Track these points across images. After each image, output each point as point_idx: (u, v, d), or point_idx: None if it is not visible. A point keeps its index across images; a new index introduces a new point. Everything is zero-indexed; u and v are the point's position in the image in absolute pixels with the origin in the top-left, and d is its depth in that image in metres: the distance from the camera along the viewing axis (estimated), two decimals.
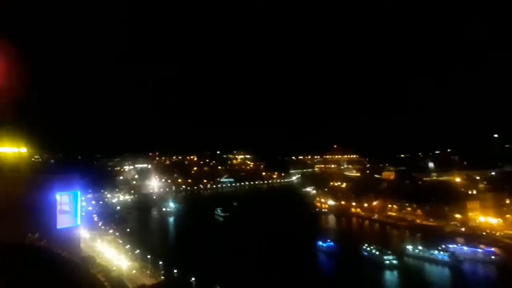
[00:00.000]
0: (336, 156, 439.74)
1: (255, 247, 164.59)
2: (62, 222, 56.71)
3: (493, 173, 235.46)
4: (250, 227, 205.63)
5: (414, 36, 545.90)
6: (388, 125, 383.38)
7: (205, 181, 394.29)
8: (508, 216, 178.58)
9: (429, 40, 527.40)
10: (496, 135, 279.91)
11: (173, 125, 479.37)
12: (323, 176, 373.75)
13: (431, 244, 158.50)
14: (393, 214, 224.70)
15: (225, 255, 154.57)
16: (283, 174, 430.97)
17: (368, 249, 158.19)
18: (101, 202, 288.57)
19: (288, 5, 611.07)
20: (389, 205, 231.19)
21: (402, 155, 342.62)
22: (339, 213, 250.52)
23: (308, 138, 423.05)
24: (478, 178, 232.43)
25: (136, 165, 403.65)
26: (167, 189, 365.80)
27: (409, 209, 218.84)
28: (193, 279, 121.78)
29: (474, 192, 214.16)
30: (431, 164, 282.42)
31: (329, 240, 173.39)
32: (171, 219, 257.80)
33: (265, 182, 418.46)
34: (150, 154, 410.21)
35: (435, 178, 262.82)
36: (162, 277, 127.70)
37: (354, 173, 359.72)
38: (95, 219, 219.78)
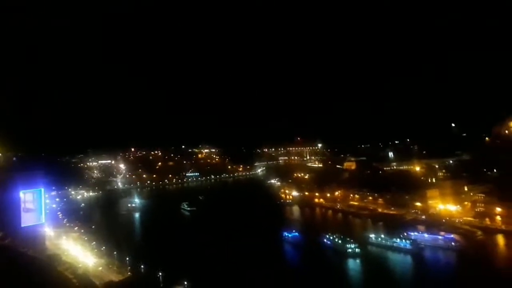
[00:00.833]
0: (300, 148, 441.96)
1: (222, 240, 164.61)
2: (27, 220, 56.00)
3: (451, 162, 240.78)
4: (216, 221, 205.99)
5: (373, 27, 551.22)
6: (349, 116, 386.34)
7: (170, 176, 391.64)
8: (466, 203, 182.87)
9: (387, 32, 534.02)
10: (453, 124, 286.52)
11: (137, 120, 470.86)
12: (287, 168, 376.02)
13: (393, 232, 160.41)
14: (355, 203, 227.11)
15: (192, 249, 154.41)
16: (248, 167, 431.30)
17: (331, 238, 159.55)
18: (65, 199, 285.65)
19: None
20: (351, 195, 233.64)
21: (363, 146, 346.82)
22: (303, 203, 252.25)
23: (272, 130, 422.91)
24: (437, 166, 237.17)
25: (100, 161, 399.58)
26: (132, 185, 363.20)
27: (370, 198, 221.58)
28: (160, 274, 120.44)
29: (434, 180, 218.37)
30: (391, 154, 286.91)
31: (294, 231, 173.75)
32: (137, 215, 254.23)
33: (231, 175, 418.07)
34: (114, 149, 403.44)
35: (395, 167, 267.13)
36: (129, 273, 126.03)
37: (317, 164, 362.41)
38: (60, 216, 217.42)
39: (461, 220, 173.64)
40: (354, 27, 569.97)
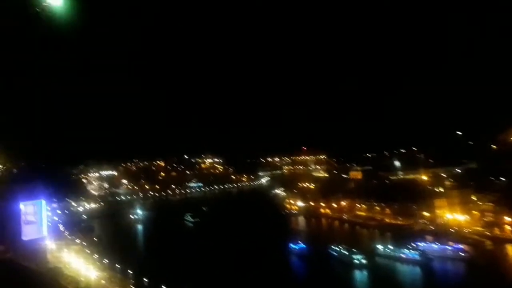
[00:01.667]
0: (304, 157, 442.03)
1: (227, 252, 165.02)
2: (28, 233, 55.36)
3: (458, 170, 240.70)
4: (220, 232, 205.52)
5: (377, 35, 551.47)
6: (354, 124, 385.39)
7: (173, 186, 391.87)
8: (474, 212, 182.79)
9: (392, 39, 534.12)
10: (459, 132, 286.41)
11: (139, 129, 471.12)
12: (292, 177, 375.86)
13: (401, 243, 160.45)
14: (362, 213, 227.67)
15: (196, 262, 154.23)
16: (252, 177, 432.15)
17: (337, 249, 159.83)
18: (66, 211, 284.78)
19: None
20: (358, 205, 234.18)
21: (369, 154, 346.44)
22: (308, 214, 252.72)
23: (276, 139, 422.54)
24: (444, 175, 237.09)
25: (101, 172, 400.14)
26: (134, 196, 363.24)
27: (377, 208, 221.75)
28: (163, 287, 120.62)
29: (441, 189, 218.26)
30: (397, 163, 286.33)
31: (300, 242, 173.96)
32: (140, 227, 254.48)
33: (235, 185, 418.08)
34: (116, 160, 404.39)
35: (401, 176, 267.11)
36: (132, 286, 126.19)
37: (322, 174, 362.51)
38: (61, 228, 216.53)
39: (470, 230, 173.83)
40: (357, 32, 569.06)
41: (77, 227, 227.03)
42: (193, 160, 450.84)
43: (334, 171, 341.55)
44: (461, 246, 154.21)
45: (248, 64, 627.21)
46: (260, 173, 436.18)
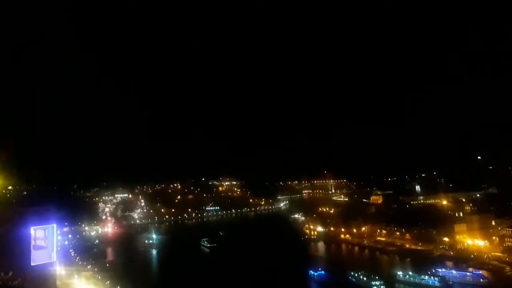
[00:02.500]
0: (324, 181, 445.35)
1: (245, 279, 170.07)
2: (37, 258, 53.04)
3: (478, 195, 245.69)
4: (238, 258, 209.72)
5: (395, 57, 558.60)
6: (375, 148, 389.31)
7: (189, 210, 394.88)
8: (494, 238, 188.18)
9: (410, 59, 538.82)
10: (479, 157, 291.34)
11: (156, 151, 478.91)
12: (311, 201, 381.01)
13: (420, 269, 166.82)
14: (382, 239, 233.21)
15: None
16: (270, 201, 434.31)
17: (356, 275, 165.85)
18: (78, 236, 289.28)
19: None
20: (378, 230, 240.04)
21: (389, 179, 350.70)
22: (328, 239, 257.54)
23: (295, 163, 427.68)
24: (463, 200, 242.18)
25: (116, 195, 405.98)
26: (150, 220, 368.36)
27: (397, 233, 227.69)
28: None
29: (461, 214, 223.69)
30: (417, 187, 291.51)
31: (320, 269, 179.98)
32: (154, 252, 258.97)
33: (252, 209, 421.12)
34: (131, 183, 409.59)
35: (422, 201, 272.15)
36: None
37: (342, 198, 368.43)
38: (72, 254, 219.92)
39: (490, 256, 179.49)
40: (370, 54, 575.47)
41: (88, 252, 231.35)
42: (210, 183, 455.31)
43: (355, 195, 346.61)
44: (480, 272, 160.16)
45: (270, 87, 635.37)
46: (278, 197, 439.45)
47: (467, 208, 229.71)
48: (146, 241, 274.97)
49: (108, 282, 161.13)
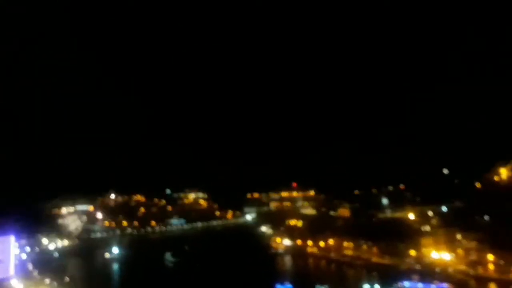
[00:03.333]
0: (292, 193, 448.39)
1: None
2: None
3: (444, 209, 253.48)
4: (203, 272, 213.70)
5: (364, 71, 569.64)
6: (343, 160, 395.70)
7: (153, 223, 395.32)
8: (459, 251, 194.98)
9: (376, 74, 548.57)
10: (445, 170, 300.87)
11: (118, 162, 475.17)
12: (279, 214, 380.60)
13: (387, 282, 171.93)
14: (349, 252, 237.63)
15: None
16: (237, 213, 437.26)
17: None
18: (36, 249, 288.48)
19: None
20: (345, 243, 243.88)
21: (357, 191, 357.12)
22: (295, 253, 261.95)
23: (263, 175, 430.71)
24: (430, 214, 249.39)
25: (76, 207, 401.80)
26: (111, 233, 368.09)
27: (365, 247, 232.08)
28: None
29: (427, 228, 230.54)
30: (385, 201, 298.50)
31: (287, 282, 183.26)
32: (116, 266, 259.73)
33: (219, 222, 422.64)
34: (92, 195, 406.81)
35: (389, 215, 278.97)
36: None
37: (310, 211, 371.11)
38: (30, 268, 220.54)
39: (455, 269, 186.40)
40: (350, 70, 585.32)
41: (47, 266, 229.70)
42: (175, 195, 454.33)
43: (322, 208, 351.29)
44: (445, 285, 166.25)
45: (237, 97, 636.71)
46: (246, 209, 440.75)
47: (434, 222, 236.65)
48: (108, 255, 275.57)
49: None
